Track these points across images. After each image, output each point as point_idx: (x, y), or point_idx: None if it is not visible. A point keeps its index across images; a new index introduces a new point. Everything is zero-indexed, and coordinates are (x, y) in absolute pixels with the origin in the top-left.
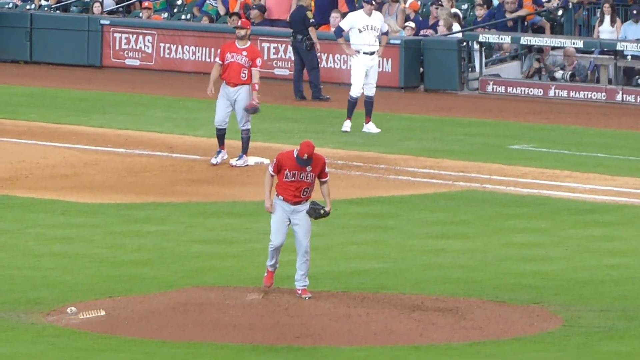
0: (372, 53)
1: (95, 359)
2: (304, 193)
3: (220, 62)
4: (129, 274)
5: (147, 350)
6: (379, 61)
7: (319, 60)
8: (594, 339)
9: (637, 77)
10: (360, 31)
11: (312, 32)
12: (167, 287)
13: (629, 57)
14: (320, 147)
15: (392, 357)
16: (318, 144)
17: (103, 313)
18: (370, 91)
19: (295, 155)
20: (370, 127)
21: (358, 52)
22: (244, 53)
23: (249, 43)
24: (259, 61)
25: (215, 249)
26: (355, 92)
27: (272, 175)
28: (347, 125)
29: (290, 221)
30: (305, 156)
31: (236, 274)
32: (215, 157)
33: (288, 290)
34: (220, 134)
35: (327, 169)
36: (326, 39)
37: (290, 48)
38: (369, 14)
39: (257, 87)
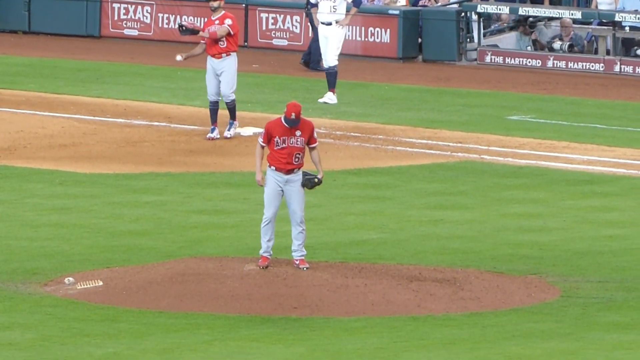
0: (329, 24)
1: (93, 329)
2: (296, 159)
3: (203, 41)
4: (127, 244)
5: (145, 320)
6: (355, 30)
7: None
8: (592, 309)
9: (635, 47)
10: (318, 1)
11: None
12: (165, 258)
13: (627, 28)
14: (319, 117)
15: (389, 328)
16: (316, 114)
17: (101, 283)
18: (330, 61)
19: (282, 119)
20: (330, 97)
21: (321, 22)
22: (216, 22)
23: (222, 12)
24: (227, 21)
25: (213, 219)
26: (332, 61)
27: (263, 146)
28: (326, 96)
29: (283, 192)
30: (293, 115)
31: (234, 244)
32: (211, 133)
33: (286, 261)
34: (214, 109)
35: (315, 135)
36: None
37: (288, 18)
38: None
39: (207, 34)
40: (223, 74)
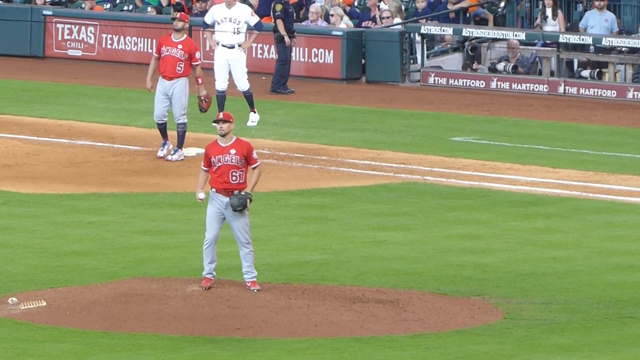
0: (231, 47)
1: (36, 350)
2: (233, 178)
3: (157, 55)
4: (70, 265)
5: (88, 340)
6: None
7: (290, 52)
8: (535, 331)
9: (579, 69)
10: (218, 23)
11: (279, 25)
12: (108, 278)
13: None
14: (262, 138)
15: (332, 349)
16: (259, 135)
17: (44, 304)
18: (242, 86)
19: (218, 139)
20: (253, 118)
21: (218, 43)
22: (179, 47)
23: (185, 36)
24: (198, 54)
25: (156, 240)
26: (218, 85)
27: (205, 170)
28: (252, 119)
29: (225, 216)
30: (221, 115)
31: (177, 265)
32: (162, 149)
33: (229, 282)
34: (162, 128)
35: (255, 155)
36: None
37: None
38: (229, 7)
39: (200, 81)
40: (174, 95)
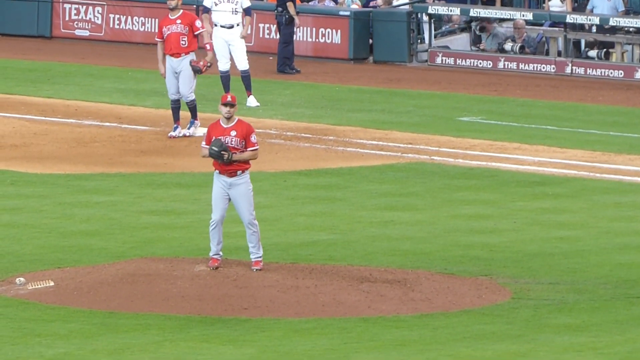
0: (230, 27)
1: (43, 329)
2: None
3: (161, 40)
4: (78, 245)
5: (96, 320)
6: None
7: (294, 34)
8: (543, 311)
9: (586, 49)
10: (216, 4)
11: (290, 7)
12: (115, 258)
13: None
14: (269, 118)
15: (340, 329)
16: (267, 115)
17: (52, 283)
18: (241, 65)
19: (220, 120)
20: (250, 101)
21: (216, 25)
22: (178, 21)
23: (181, 11)
24: (198, 23)
25: (164, 220)
26: (221, 66)
27: (205, 148)
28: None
29: (230, 196)
30: (229, 98)
31: (184, 245)
32: (173, 132)
33: (236, 262)
34: (175, 107)
35: (254, 139)
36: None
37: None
38: None
39: (208, 47)
40: (181, 73)
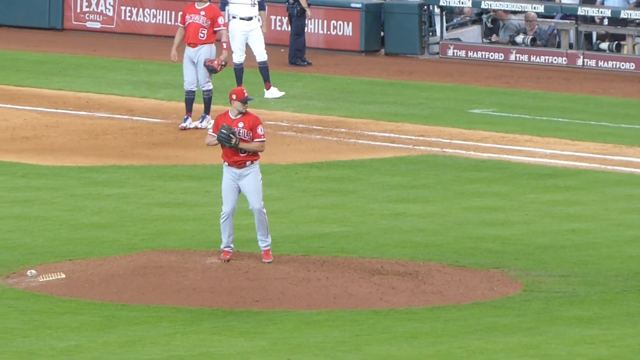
0: (249, 19)
1: (55, 322)
2: (242, 151)
3: (182, 25)
4: (89, 237)
5: (107, 313)
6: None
7: (305, 26)
8: (554, 304)
9: (597, 41)
10: None
11: None
12: (127, 250)
13: (605, 21)
14: (281, 110)
15: (351, 321)
16: (278, 107)
17: (63, 276)
18: (260, 56)
19: (229, 111)
20: (273, 92)
21: (234, 17)
22: (202, 13)
23: (208, 3)
24: (220, 20)
25: (175, 212)
26: (235, 58)
27: (213, 136)
28: (271, 92)
29: (240, 187)
30: (246, 94)
31: (196, 237)
32: (184, 122)
33: (248, 254)
34: (190, 98)
35: (261, 131)
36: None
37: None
38: None
39: (225, 45)
40: (199, 63)
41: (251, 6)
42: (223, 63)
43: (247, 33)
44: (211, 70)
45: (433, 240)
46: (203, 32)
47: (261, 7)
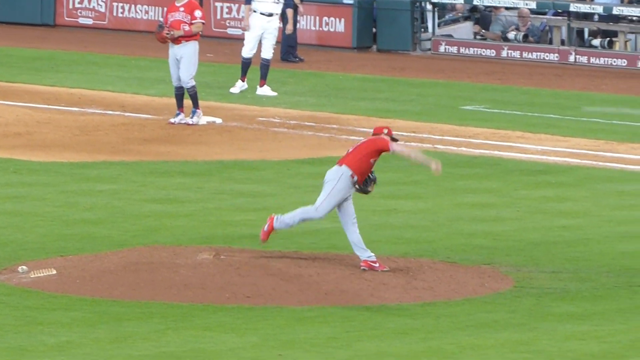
0: (269, 15)
1: (46, 318)
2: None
3: (166, 25)
4: (81, 233)
5: (98, 309)
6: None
7: (297, 22)
8: (545, 300)
9: (589, 38)
10: None
11: None
12: (118, 246)
13: (596, 17)
14: (273, 106)
15: (342, 317)
16: (270, 103)
17: (54, 272)
18: (267, 54)
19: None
20: (265, 90)
21: (255, 11)
22: (182, 9)
23: (187, 0)
24: (197, 13)
25: (167, 208)
26: (245, 51)
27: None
28: (237, 85)
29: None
30: (385, 130)
31: (187, 233)
32: (174, 118)
33: (239, 250)
34: (179, 94)
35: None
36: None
37: (243, 8)
38: None
39: (181, 29)
40: (182, 59)
41: (273, 2)
42: (169, 34)
43: (265, 29)
44: (157, 35)
45: (424, 237)
46: (185, 27)
47: (288, 5)
